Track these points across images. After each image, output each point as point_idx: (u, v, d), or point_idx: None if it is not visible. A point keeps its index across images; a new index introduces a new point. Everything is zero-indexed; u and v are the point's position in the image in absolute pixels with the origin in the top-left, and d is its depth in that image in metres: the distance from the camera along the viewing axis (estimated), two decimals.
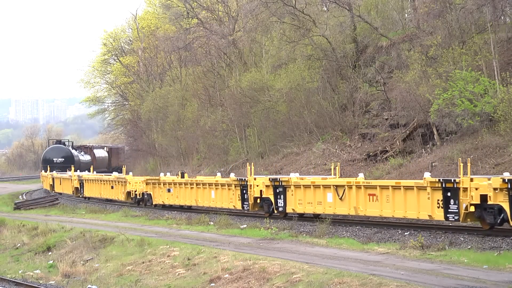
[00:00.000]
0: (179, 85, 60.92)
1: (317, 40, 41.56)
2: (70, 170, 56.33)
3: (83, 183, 46.89)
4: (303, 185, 25.21)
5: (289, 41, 43.39)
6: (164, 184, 34.36)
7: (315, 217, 25.52)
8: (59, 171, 60.07)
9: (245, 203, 27.96)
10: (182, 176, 34.18)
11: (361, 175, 24.54)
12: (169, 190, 33.81)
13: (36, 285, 20.24)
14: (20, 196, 56.62)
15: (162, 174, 37.52)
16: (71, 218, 34.48)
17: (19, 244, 28.91)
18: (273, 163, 41.84)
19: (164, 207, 35.00)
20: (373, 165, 33.70)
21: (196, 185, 31.78)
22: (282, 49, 44.38)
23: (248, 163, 31.38)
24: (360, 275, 14.66)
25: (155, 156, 64.54)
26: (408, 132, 34.16)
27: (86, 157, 77.91)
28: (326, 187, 24.55)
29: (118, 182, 39.97)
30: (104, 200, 43.80)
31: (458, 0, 32.87)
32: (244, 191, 27.80)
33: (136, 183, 37.48)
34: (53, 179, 56.32)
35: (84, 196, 46.76)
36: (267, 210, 26.92)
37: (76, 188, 48.65)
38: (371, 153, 34.99)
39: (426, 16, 35.10)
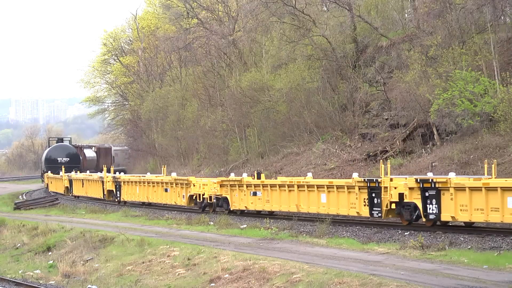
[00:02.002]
0: (179, 85, 60.92)
1: (317, 40, 41.56)
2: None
3: (119, 186, 40.45)
4: (469, 187, 20.26)
5: (289, 41, 43.40)
6: (249, 186, 28.83)
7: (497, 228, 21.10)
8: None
9: (375, 209, 22.97)
10: (259, 177, 29.09)
11: None
12: (255, 194, 28.51)
13: (36, 285, 20.24)
14: (20, 196, 56.60)
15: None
16: (71, 218, 34.47)
17: (19, 244, 28.91)
18: (273, 163, 41.84)
19: (243, 213, 29.85)
20: (373, 165, 33.69)
21: (299, 187, 26.16)
22: (282, 49, 44.38)
23: (386, 161, 27.82)
24: (360, 275, 14.66)
25: (155, 156, 64.53)
26: (408, 132, 34.16)
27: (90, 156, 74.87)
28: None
29: (177, 184, 33.89)
30: (148, 205, 38.04)
31: (458, 0, 32.87)
32: (374, 195, 22.96)
33: (205, 185, 31.86)
34: (70, 181, 50.93)
35: (121, 200, 40.49)
36: (408, 217, 22.14)
37: (110, 191, 42.16)
38: (371, 153, 34.99)
39: (426, 16, 35.11)
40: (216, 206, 31.27)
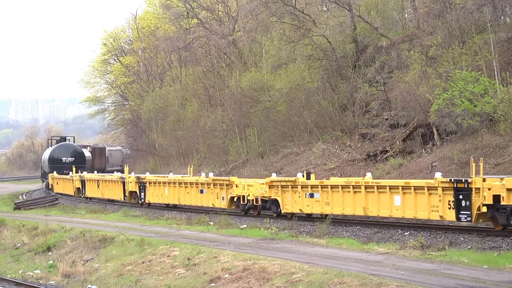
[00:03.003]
0: (179, 85, 60.94)
1: (317, 40, 41.56)
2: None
3: (144, 187, 37.38)
4: None
5: (289, 41, 43.39)
6: (304, 187, 26.00)
7: None
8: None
9: (462, 212, 20.68)
10: (308, 177, 26.82)
11: None
12: (311, 195, 25.67)
13: (36, 285, 20.24)
14: (20, 196, 56.61)
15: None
16: (71, 218, 34.47)
17: (19, 244, 28.91)
18: (273, 163, 41.85)
19: (294, 216, 26.60)
20: (373, 165, 33.70)
21: (366, 188, 23.50)
22: (282, 49, 44.37)
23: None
24: (360, 275, 14.66)
25: (155, 156, 64.55)
26: (408, 132, 34.15)
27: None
28: None
29: (216, 185, 31.02)
30: (178, 207, 35.31)
31: (458, 0, 32.88)
32: (462, 197, 20.69)
33: (250, 186, 28.85)
34: (82, 181, 47.90)
35: (145, 202, 37.38)
36: (504, 222, 19.54)
37: (132, 192, 39.05)
38: (371, 153, 34.98)
39: (426, 16, 35.10)
40: (261, 209, 28.74)
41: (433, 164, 29.43)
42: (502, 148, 27.22)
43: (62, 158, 62.55)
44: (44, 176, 66.45)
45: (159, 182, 36.21)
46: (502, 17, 34.17)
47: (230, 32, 50.86)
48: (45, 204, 43.77)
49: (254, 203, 28.62)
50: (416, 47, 34.84)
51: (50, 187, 58.45)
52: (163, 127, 62.28)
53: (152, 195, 36.68)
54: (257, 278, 16.39)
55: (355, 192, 23.82)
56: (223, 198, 30.57)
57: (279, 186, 27.16)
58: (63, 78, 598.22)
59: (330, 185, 24.90)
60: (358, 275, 14.67)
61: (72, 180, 49.95)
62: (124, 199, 39.64)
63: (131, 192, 39.05)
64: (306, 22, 42.39)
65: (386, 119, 36.67)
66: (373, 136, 36.67)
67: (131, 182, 38.72)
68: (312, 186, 25.74)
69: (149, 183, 36.99)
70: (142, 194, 37.56)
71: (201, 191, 32.14)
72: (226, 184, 30.25)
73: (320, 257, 17.80)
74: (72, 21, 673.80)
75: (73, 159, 62.20)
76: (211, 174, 32.90)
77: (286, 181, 27.10)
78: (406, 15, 43.22)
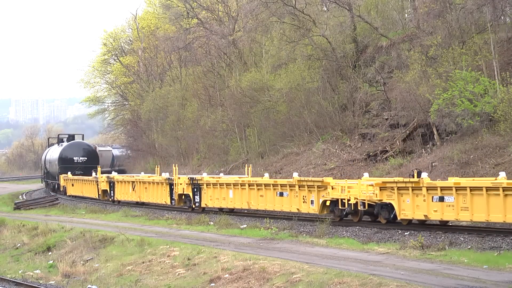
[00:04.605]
0: (179, 85, 60.93)
1: (317, 40, 41.57)
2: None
3: (199, 189, 32.84)
4: None
5: (289, 41, 43.40)
6: (431, 188, 21.70)
7: None
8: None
9: None
10: (419, 176, 22.51)
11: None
12: (441, 199, 21.33)
13: (36, 285, 20.24)
14: (20, 196, 56.62)
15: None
16: (71, 218, 34.48)
17: (19, 244, 28.92)
18: (273, 163, 41.84)
19: (411, 223, 22.90)
20: (373, 165, 33.71)
21: None
22: (282, 49, 44.38)
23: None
24: (360, 275, 14.66)
25: (155, 156, 64.52)
26: (408, 132, 34.16)
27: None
28: None
29: (302, 187, 26.49)
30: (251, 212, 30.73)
31: (458, 0, 32.88)
32: None
33: (352, 188, 24.29)
34: (111, 183, 42.79)
35: (200, 207, 32.94)
36: None
37: (182, 195, 34.23)
38: (371, 153, 34.99)
39: (426, 16, 35.11)
40: (362, 215, 24.39)
41: (433, 164, 29.44)
42: (502, 148, 27.23)
43: (74, 158, 58.13)
44: (47, 177, 63.61)
45: (221, 184, 31.54)
46: (502, 17, 34.17)
47: (230, 32, 50.85)
48: (45, 204, 43.80)
49: (360, 207, 23.93)
50: (416, 47, 34.85)
51: (61, 190, 53.85)
52: (163, 127, 62.26)
53: (211, 198, 32.09)
54: (257, 278, 16.39)
55: (506, 195, 19.60)
56: (312, 202, 26.07)
57: (395, 188, 22.83)
58: (63, 78, 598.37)
59: (470, 187, 20.59)
60: (358, 275, 14.67)
61: (97, 181, 44.68)
62: (171, 203, 35.12)
63: (180, 195, 34.33)
64: (306, 22, 42.40)
65: (386, 119, 36.67)
66: (373, 136, 36.68)
67: (181, 184, 34.06)
68: (443, 188, 21.39)
69: (207, 185, 32.31)
70: (197, 197, 32.98)
71: (281, 194, 27.75)
72: (318, 185, 25.77)
73: (320, 257, 17.80)
74: (72, 21, 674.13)
75: (86, 158, 58.37)
76: (295, 174, 27.63)
77: (405, 182, 22.68)
78: (406, 15, 43.23)
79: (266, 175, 30.49)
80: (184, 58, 61.15)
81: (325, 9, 46.29)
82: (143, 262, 20.96)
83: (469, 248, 18.04)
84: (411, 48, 36.12)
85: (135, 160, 70.48)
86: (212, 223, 27.38)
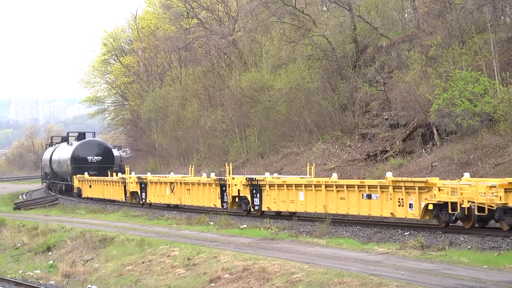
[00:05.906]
0: (179, 85, 60.91)
1: (317, 40, 41.56)
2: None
3: (259, 191, 29.54)
4: None
5: (289, 41, 43.38)
6: None
7: None
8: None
9: None
10: None
11: None
12: None
13: (36, 285, 20.24)
14: (20, 196, 56.63)
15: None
16: (71, 218, 34.48)
17: (19, 244, 28.92)
18: (273, 163, 41.83)
19: None
20: (373, 165, 33.70)
21: None
22: (282, 49, 44.37)
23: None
24: (360, 275, 14.66)
25: (155, 156, 64.51)
26: (408, 132, 34.15)
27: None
28: None
29: (397, 188, 22.83)
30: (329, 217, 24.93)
31: (458, 0, 32.87)
32: None
33: (465, 190, 20.63)
34: (142, 184, 39.10)
35: (259, 210, 29.64)
36: None
37: (236, 198, 30.91)
38: (371, 153, 34.98)
39: (426, 16, 35.09)
40: (476, 220, 20.97)
41: (433, 164, 29.44)
42: (502, 148, 27.22)
43: (88, 157, 54.61)
44: (52, 178, 61.37)
45: (288, 185, 27.89)
46: (502, 17, 34.16)
47: (230, 32, 50.84)
48: (45, 204, 43.81)
49: (478, 213, 20.24)
50: (416, 47, 34.84)
51: (75, 191, 50.96)
52: (163, 127, 62.24)
53: (275, 201, 28.75)
54: (257, 278, 16.39)
55: None
56: (410, 205, 22.58)
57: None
58: (63, 78, 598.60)
59: None
60: (358, 275, 14.67)
61: (124, 182, 41.05)
62: (223, 206, 31.81)
63: (234, 198, 31.11)
64: (306, 22, 42.39)
65: (386, 119, 36.66)
66: (373, 136, 36.67)
67: (236, 185, 30.71)
68: None
69: (270, 186, 29.01)
70: (256, 199, 29.78)
71: (369, 197, 23.94)
72: (419, 187, 22.07)
73: (320, 257, 17.80)
74: (72, 21, 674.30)
75: (100, 158, 55.13)
76: (389, 174, 24.13)
77: None
78: (406, 15, 43.21)
79: (267, 174, 30.38)
80: (184, 58, 61.13)
81: (325, 9, 46.29)
82: (143, 262, 20.96)
83: (469, 248, 18.03)
84: (411, 48, 36.12)
85: (135, 160, 70.50)
86: (212, 223, 27.39)
